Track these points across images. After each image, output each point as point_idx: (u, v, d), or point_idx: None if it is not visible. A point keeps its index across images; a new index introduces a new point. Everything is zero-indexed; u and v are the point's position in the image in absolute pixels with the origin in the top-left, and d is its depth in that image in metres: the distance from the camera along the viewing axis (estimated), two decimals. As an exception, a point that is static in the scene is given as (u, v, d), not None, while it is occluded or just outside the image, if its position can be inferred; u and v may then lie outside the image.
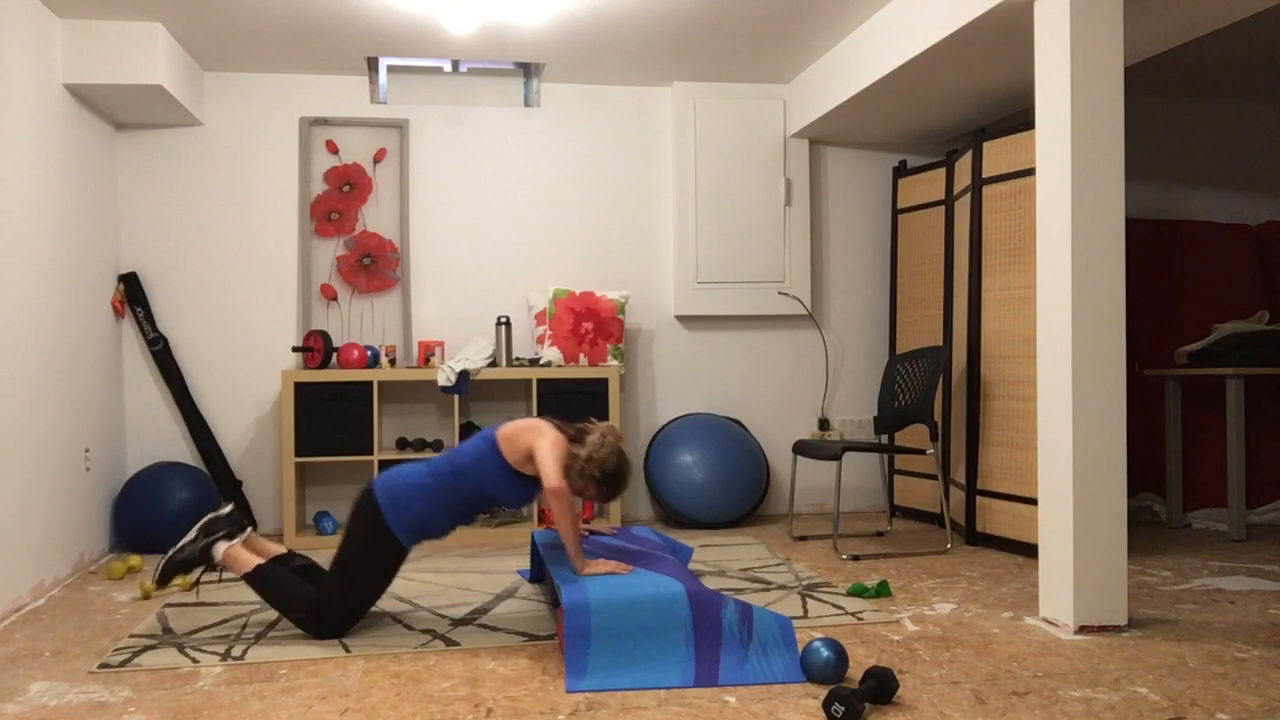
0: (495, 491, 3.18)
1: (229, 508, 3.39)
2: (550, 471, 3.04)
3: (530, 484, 3.20)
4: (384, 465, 4.79)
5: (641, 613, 2.74)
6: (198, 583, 3.64)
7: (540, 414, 4.89)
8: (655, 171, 5.48)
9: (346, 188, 5.17)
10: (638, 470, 5.39)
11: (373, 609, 3.51)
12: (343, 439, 4.75)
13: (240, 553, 3.25)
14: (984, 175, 4.60)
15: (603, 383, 4.97)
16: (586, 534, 3.60)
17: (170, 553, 3.25)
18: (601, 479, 3.12)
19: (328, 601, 3.13)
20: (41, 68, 4.00)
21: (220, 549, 3.26)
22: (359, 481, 5.15)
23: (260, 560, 3.23)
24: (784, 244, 5.45)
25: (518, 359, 5.14)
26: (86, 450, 4.38)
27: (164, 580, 3.24)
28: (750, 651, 2.76)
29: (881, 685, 2.48)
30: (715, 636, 2.75)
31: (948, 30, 3.79)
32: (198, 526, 3.30)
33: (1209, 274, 5.37)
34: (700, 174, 5.37)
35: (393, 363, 4.91)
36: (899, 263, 5.48)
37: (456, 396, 4.86)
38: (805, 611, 3.42)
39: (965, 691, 2.62)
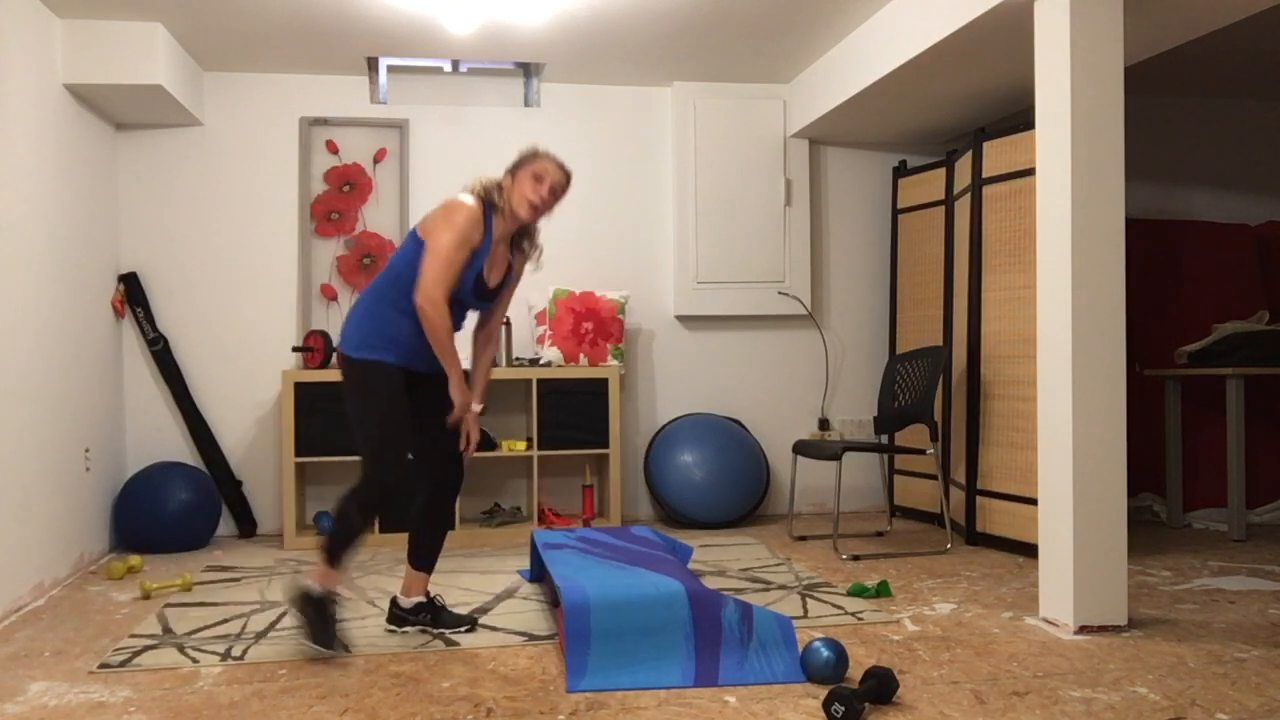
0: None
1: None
2: (423, 280, 2.86)
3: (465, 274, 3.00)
4: (384, 465, 4.78)
5: (641, 613, 2.74)
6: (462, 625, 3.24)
7: (539, 399, 4.89)
8: (655, 171, 5.48)
9: (346, 188, 5.18)
10: (637, 470, 5.40)
11: (375, 609, 3.51)
12: (343, 439, 4.74)
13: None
14: (984, 175, 4.60)
15: (603, 383, 4.97)
16: (583, 524, 3.65)
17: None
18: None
19: (365, 463, 2.91)
20: (41, 68, 4.00)
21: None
22: (359, 481, 5.15)
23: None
24: (784, 244, 5.45)
25: (518, 359, 5.14)
26: (86, 450, 4.38)
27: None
28: (750, 651, 2.76)
29: (881, 685, 2.48)
30: (715, 636, 2.75)
31: (948, 30, 3.79)
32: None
33: (1209, 274, 5.37)
34: (700, 174, 5.36)
35: (393, 363, 4.90)
36: (899, 263, 5.48)
37: (456, 396, 4.86)
38: (805, 611, 3.42)
39: (965, 691, 2.62)
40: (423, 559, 3.17)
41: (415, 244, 2.96)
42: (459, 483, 3.17)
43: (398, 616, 3.17)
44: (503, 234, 3.06)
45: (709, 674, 2.71)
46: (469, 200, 2.95)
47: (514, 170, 3.04)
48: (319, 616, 2.90)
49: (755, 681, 2.68)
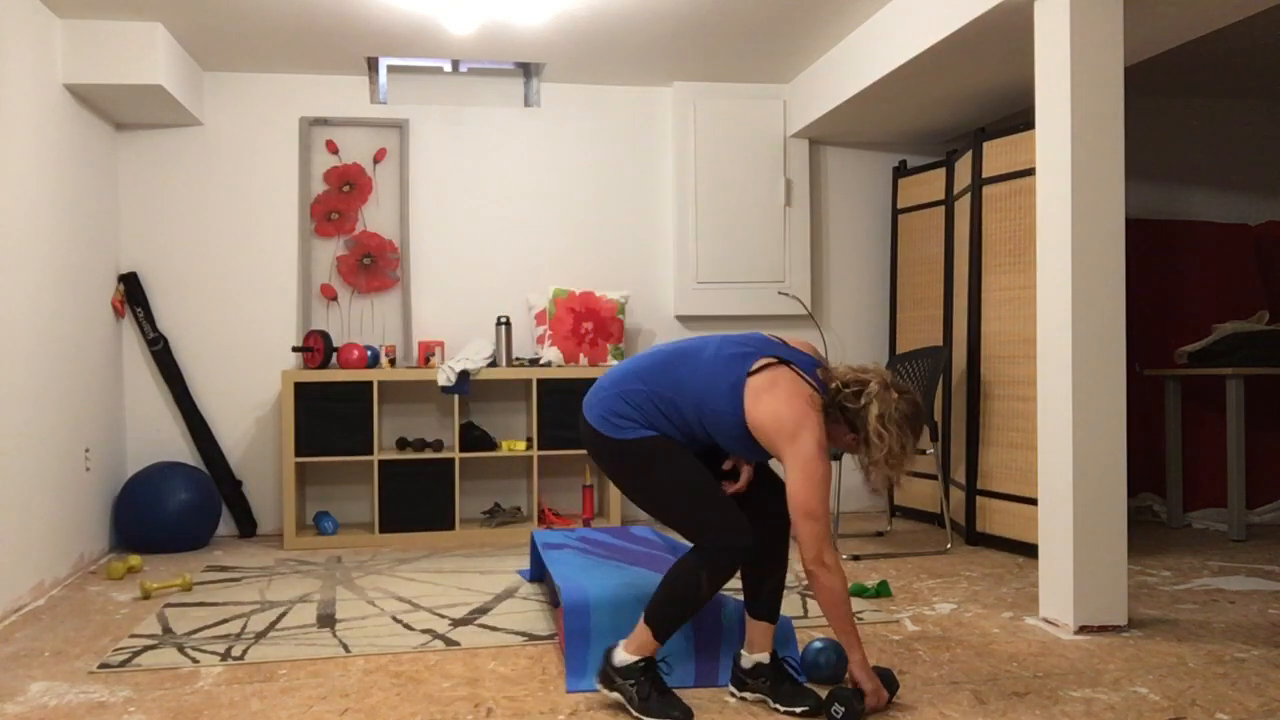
0: (719, 435, 2.49)
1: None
2: (809, 540, 2.34)
3: (764, 452, 2.50)
4: (384, 465, 4.78)
5: (641, 612, 2.73)
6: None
7: (539, 399, 4.88)
8: (655, 171, 5.48)
9: (346, 188, 5.17)
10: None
11: (375, 609, 3.51)
12: (343, 439, 4.74)
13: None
14: (984, 175, 4.60)
15: (603, 383, 4.96)
16: (583, 524, 3.51)
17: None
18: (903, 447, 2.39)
19: (697, 536, 2.44)
20: (41, 68, 4.00)
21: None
22: (359, 482, 5.15)
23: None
24: (784, 244, 5.45)
25: (518, 359, 5.14)
26: (86, 450, 4.38)
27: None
28: None
29: (883, 685, 2.48)
30: (715, 636, 2.74)
31: (948, 30, 3.79)
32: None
33: (1209, 274, 5.37)
34: (700, 174, 5.36)
35: (393, 363, 4.91)
36: (899, 263, 5.48)
37: (457, 396, 4.86)
38: (805, 611, 3.42)
39: (965, 691, 2.62)
40: (760, 605, 2.60)
41: (732, 396, 2.42)
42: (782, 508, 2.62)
43: (737, 678, 2.62)
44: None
45: (709, 673, 2.71)
46: (816, 445, 2.36)
47: (900, 439, 2.40)
48: (654, 687, 2.45)
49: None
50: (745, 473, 2.61)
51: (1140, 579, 3.88)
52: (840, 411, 2.42)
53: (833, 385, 2.44)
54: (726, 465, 2.63)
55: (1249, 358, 4.80)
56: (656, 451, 2.47)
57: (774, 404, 2.37)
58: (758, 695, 2.58)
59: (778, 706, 2.51)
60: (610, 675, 2.48)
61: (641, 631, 2.46)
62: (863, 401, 2.39)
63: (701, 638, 2.74)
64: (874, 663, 2.85)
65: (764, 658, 2.57)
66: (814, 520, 2.34)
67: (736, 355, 2.47)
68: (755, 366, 2.43)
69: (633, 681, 2.44)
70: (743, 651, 2.61)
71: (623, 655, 2.47)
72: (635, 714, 2.43)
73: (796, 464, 2.34)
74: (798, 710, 2.48)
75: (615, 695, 2.47)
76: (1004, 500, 4.44)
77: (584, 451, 4.92)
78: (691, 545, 2.48)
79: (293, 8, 4.19)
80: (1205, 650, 2.96)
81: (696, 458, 2.52)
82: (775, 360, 2.45)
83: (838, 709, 2.36)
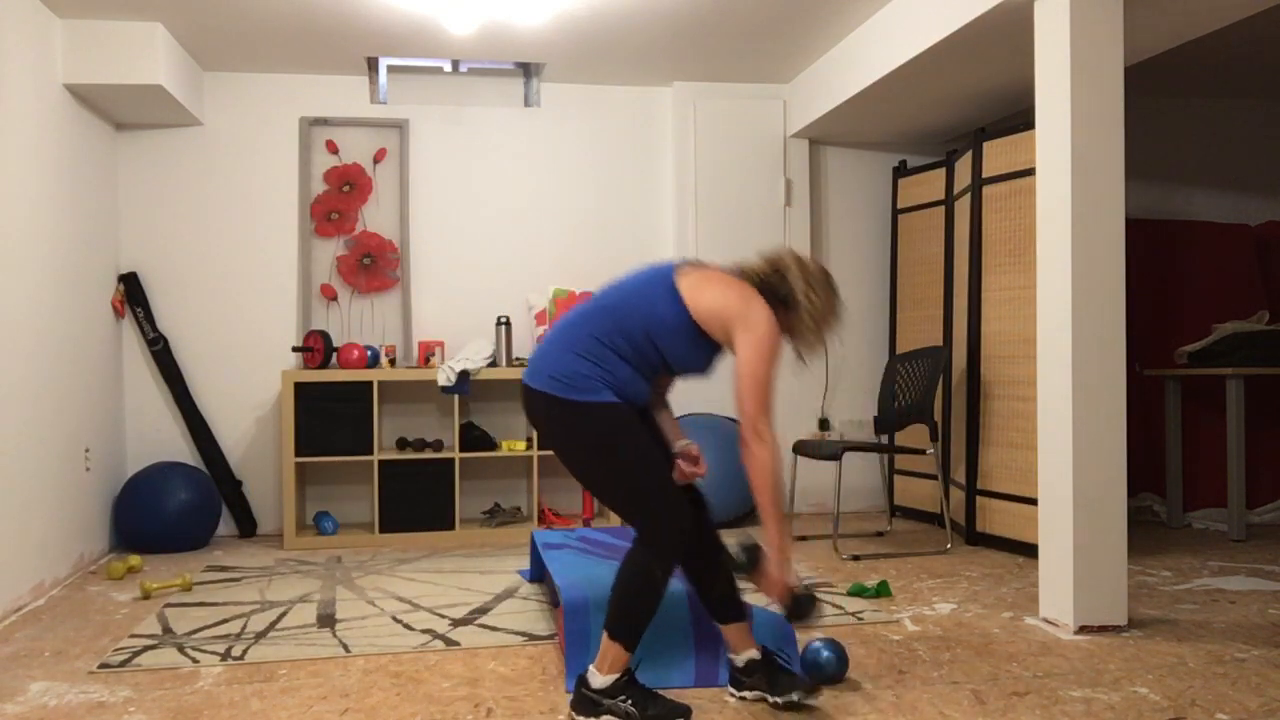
0: (669, 347, 2.47)
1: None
2: (749, 405, 2.37)
3: (712, 351, 2.51)
4: (384, 465, 4.78)
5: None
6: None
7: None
8: (655, 171, 5.48)
9: (346, 188, 5.17)
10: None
11: (375, 609, 3.51)
12: (343, 439, 4.74)
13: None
14: (984, 175, 4.60)
15: (603, 383, 4.96)
16: (583, 524, 3.49)
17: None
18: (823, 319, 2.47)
19: (638, 526, 2.41)
20: (41, 68, 4.00)
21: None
22: (359, 482, 5.15)
23: None
24: (784, 244, 5.45)
25: (518, 359, 5.14)
26: (86, 450, 4.38)
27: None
28: None
29: (797, 605, 2.44)
30: (715, 636, 2.74)
31: (948, 30, 3.79)
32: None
33: (1209, 274, 5.37)
34: (700, 174, 5.36)
35: (393, 363, 4.91)
36: (899, 263, 5.48)
37: (457, 396, 4.86)
38: (805, 611, 3.41)
39: (965, 691, 2.62)
40: (721, 609, 2.59)
41: (673, 301, 2.44)
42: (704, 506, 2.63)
43: (735, 679, 2.61)
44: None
45: (709, 674, 2.71)
46: (770, 313, 2.42)
47: (828, 298, 2.49)
48: (646, 697, 2.41)
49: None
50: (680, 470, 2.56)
51: (1140, 579, 3.88)
52: (770, 295, 2.48)
53: (754, 276, 2.50)
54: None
55: (1249, 358, 4.80)
56: (615, 426, 2.39)
57: (715, 291, 2.43)
58: (756, 693, 2.56)
59: (776, 699, 2.50)
60: (593, 700, 2.40)
61: (609, 647, 2.39)
62: (786, 276, 2.48)
63: (701, 637, 2.75)
64: (874, 662, 2.85)
65: (754, 654, 2.56)
66: (759, 387, 2.38)
67: (653, 272, 2.51)
68: (678, 270, 2.49)
69: (623, 697, 2.39)
70: (730, 656, 2.61)
71: (600, 678, 2.40)
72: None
73: (750, 338, 2.39)
74: (795, 697, 2.47)
75: (605, 719, 2.39)
76: (1004, 500, 4.44)
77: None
78: (635, 536, 2.43)
79: (293, 8, 4.19)
80: (1205, 650, 2.96)
81: (648, 434, 2.46)
82: (693, 263, 2.53)
83: (739, 554, 2.41)
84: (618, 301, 2.48)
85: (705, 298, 2.42)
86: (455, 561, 4.35)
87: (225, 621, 3.38)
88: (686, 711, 2.40)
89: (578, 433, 2.42)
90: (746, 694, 2.58)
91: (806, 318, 2.46)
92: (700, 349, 2.48)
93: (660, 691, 2.53)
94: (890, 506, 5.27)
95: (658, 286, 2.46)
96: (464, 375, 4.78)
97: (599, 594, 2.77)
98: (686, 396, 5.46)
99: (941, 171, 5.17)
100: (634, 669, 2.48)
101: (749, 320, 2.40)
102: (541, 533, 3.77)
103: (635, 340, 2.45)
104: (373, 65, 5.04)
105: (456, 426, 4.88)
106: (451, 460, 4.85)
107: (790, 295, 2.46)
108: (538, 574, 3.88)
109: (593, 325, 2.46)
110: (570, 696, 2.52)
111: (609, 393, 2.42)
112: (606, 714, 2.40)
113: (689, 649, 2.73)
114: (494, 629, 3.24)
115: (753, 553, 2.44)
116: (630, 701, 2.38)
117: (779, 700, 2.50)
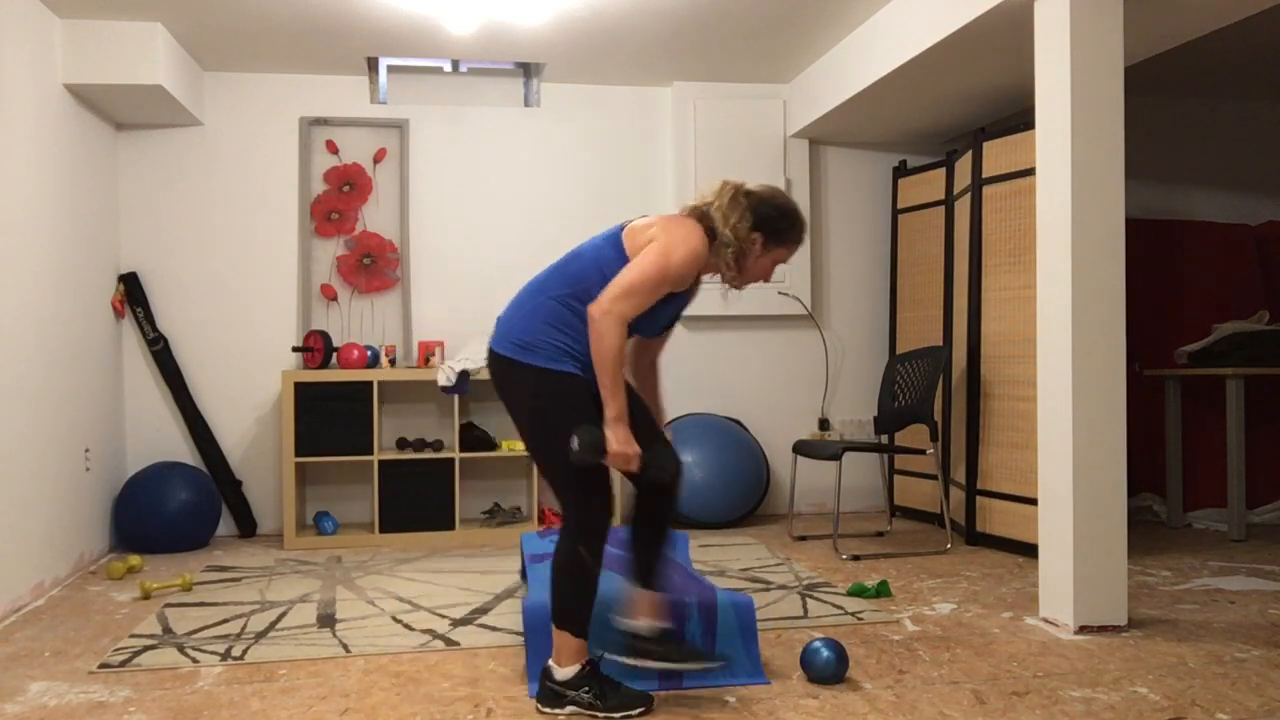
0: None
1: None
2: (612, 288, 2.39)
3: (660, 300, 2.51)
4: (384, 465, 4.78)
5: (598, 626, 2.64)
6: None
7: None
8: (655, 171, 5.48)
9: (346, 188, 5.17)
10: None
11: (375, 609, 3.51)
12: (343, 439, 4.74)
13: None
14: (984, 175, 4.60)
15: (603, 383, 4.96)
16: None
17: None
18: (775, 221, 2.57)
19: (569, 504, 2.47)
20: (41, 68, 4.00)
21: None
22: (359, 481, 5.15)
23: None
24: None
25: (518, 359, 5.13)
26: (86, 450, 4.38)
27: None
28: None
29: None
30: (714, 636, 2.74)
31: (948, 30, 3.79)
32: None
33: (1209, 274, 5.37)
34: (700, 174, 5.36)
35: (393, 363, 4.91)
36: (899, 263, 5.48)
37: (456, 396, 4.86)
38: (805, 611, 3.42)
39: (965, 691, 2.62)
40: (646, 574, 2.63)
41: (617, 251, 2.51)
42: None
43: (630, 645, 2.60)
44: (710, 272, 2.63)
45: (673, 681, 2.69)
46: (698, 236, 2.49)
47: (771, 233, 2.60)
48: (606, 686, 2.46)
49: (719, 685, 2.67)
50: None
51: (1140, 579, 3.88)
52: (704, 223, 2.54)
53: (689, 208, 2.60)
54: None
55: (1249, 358, 4.80)
56: (564, 399, 2.44)
57: (651, 231, 2.50)
58: (664, 664, 2.56)
59: (684, 665, 2.56)
60: (557, 693, 2.46)
61: (562, 639, 2.45)
62: (712, 204, 2.56)
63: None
64: (874, 662, 2.85)
65: (668, 626, 2.62)
66: (631, 282, 2.40)
67: (607, 233, 2.58)
68: (626, 225, 2.56)
69: (586, 689, 2.44)
70: (634, 621, 2.59)
71: (561, 670, 2.45)
72: (602, 717, 2.44)
73: (653, 245, 2.44)
74: (695, 666, 2.55)
75: (569, 709, 2.45)
76: (1004, 500, 4.44)
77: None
78: (563, 519, 2.49)
79: (293, 8, 4.19)
80: (1205, 650, 2.96)
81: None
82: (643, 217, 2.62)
83: (575, 441, 2.34)
84: (573, 264, 2.55)
85: (641, 238, 2.50)
86: (455, 561, 4.35)
87: (225, 621, 3.38)
88: (648, 699, 2.45)
89: (527, 399, 2.48)
90: (650, 663, 2.57)
91: (723, 242, 2.53)
92: (658, 303, 2.51)
93: (659, 691, 2.53)
94: (890, 506, 5.27)
95: (607, 246, 2.54)
96: (464, 375, 4.78)
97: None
98: (688, 396, 5.46)
99: (941, 171, 5.17)
100: (597, 660, 2.52)
101: (662, 235, 2.47)
102: (530, 538, 3.74)
103: (592, 300, 2.46)
104: (373, 65, 5.04)
105: (456, 426, 4.88)
106: (451, 460, 4.85)
107: (712, 224, 2.54)
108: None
109: (553, 288, 2.53)
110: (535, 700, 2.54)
111: (571, 363, 2.47)
112: (570, 705, 2.45)
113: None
114: (494, 629, 3.24)
115: (592, 436, 2.35)
116: (592, 693, 2.44)
117: (690, 668, 2.57)
